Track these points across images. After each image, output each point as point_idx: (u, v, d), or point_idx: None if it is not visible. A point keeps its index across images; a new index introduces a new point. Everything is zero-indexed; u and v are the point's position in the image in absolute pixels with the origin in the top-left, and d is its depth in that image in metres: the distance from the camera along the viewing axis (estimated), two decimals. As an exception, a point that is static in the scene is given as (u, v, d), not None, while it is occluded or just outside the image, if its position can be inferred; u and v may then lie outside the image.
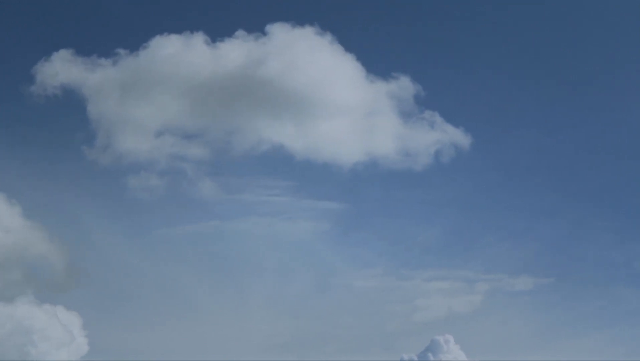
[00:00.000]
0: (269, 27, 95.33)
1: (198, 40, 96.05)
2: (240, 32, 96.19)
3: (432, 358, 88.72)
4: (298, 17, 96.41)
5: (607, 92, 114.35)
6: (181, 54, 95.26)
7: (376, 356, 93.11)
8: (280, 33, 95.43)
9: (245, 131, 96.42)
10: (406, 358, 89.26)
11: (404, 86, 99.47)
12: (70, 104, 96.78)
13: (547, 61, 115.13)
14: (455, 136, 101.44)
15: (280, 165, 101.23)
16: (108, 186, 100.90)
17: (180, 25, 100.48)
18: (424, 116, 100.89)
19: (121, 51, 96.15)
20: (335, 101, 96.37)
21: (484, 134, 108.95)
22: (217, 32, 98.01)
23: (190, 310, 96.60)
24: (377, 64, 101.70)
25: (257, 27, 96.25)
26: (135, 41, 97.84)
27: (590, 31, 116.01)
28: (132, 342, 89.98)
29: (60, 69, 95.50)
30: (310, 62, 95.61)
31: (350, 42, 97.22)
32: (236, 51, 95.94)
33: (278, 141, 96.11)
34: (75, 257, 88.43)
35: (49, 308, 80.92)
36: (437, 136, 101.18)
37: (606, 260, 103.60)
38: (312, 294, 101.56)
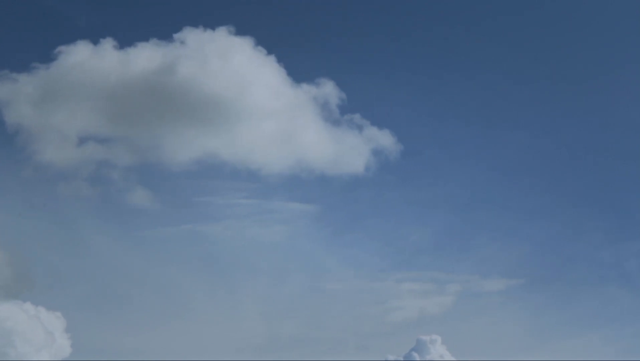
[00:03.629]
0: (183, 32, 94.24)
1: (108, 46, 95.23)
2: (152, 38, 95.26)
3: (417, 359, 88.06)
4: (213, 21, 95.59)
5: (599, 93, 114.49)
6: (92, 61, 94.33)
7: (362, 357, 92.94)
8: (194, 36, 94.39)
9: (169, 136, 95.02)
10: (391, 359, 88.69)
11: (328, 90, 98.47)
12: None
13: (531, 61, 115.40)
14: (384, 139, 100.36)
15: (214, 170, 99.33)
16: (39, 196, 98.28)
17: (91, 32, 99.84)
18: (348, 120, 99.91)
19: (33, 64, 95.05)
20: (258, 105, 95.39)
21: (411, 137, 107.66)
22: (129, 38, 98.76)
23: (173, 311, 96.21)
24: (300, 68, 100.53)
25: (169, 32, 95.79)
26: (46, 52, 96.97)
27: (555, 24, 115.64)
28: (117, 343, 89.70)
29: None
30: (229, 66, 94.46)
31: (271, 45, 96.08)
32: (150, 56, 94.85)
33: (205, 146, 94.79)
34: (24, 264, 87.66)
35: (30, 308, 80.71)
36: (366, 140, 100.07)
37: (597, 260, 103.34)
38: (289, 296, 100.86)
